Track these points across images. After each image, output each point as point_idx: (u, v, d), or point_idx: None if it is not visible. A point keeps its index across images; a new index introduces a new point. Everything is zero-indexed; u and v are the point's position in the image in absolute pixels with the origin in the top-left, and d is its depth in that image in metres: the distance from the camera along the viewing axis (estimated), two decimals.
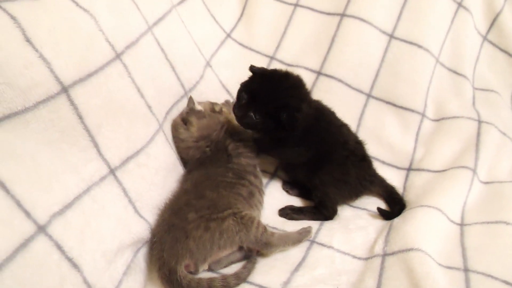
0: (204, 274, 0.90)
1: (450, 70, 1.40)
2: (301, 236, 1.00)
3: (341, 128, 1.16)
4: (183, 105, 1.14)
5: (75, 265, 0.73)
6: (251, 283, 0.88)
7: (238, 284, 0.88)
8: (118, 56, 0.91)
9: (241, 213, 0.93)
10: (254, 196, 1.02)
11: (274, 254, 0.96)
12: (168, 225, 0.89)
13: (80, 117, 0.79)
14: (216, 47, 1.35)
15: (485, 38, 1.49)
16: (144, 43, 1.01)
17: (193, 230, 0.87)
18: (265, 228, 0.94)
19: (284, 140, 1.08)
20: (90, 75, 0.83)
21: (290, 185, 1.21)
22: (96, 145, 0.82)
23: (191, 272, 0.88)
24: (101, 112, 0.84)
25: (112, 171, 0.85)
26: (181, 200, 0.94)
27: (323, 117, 1.13)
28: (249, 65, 1.07)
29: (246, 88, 1.04)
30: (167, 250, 0.86)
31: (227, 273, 0.90)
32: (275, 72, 1.08)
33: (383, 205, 1.16)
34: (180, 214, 0.90)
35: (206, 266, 0.91)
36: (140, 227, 0.89)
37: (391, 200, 1.16)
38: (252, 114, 1.01)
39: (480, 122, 1.28)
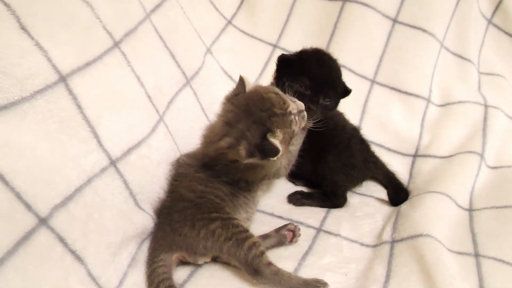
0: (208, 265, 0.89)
1: (455, 54, 1.38)
2: (307, 286, 0.80)
3: (338, 115, 1.16)
4: (186, 94, 1.11)
5: (78, 258, 0.71)
6: None
7: None
8: (116, 44, 0.89)
9: (232, 220, 0.84)
10: (237, 197, 0.92)
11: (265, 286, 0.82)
12: (159, 224, 0.89)
13: (80, 107, 0.77)
14: (217, 34, 1.33)
15: (490, 21, 1.46)
16: (143, 31, 0.98)
17: (180, 228, 0.85)
18: (261, 253, 0.81)
19: None
20: (88, 64, 0.80)
21: (296, 176, 1.19)
22: (96, 136, 0.80)
23: (188, 263, 0.88)
24: (101, 102, 0.82)
25: (113, 163, 0.82)
26: (165, 203, 0.91)
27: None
28: (278, 56, 1.04)
29: (308, 80, 0.98)
30: (156, 241, 0.86)
31: None
32: (320, 52, 1.07)
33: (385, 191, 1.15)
34: (167, 215, 0.88)
35: (207, 259, 0.88)
36: (142, 219, 0.87)
37: (392, 186, 1.14)
38: (323, 100, 0.99)
39: (486, 106, 1.26)
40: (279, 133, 0.82)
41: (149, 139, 0.92)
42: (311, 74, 0.98)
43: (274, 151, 0.79)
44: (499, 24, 1.46)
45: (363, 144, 1.16)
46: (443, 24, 1.35)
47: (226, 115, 0.87)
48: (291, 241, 0.94)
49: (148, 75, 0.97)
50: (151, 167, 0.92)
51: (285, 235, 0.93)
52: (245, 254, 0.81)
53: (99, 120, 0.81)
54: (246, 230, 0.85)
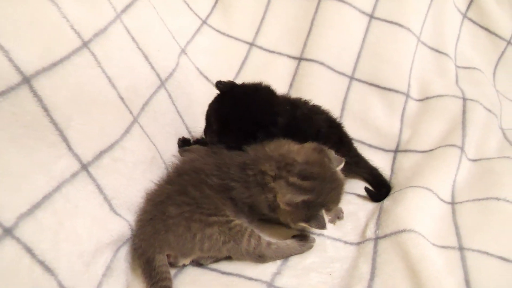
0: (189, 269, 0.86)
1: (432, 49, 1.38)
2: (302, 248, 0.90)
3: (310, 119, 1.09)
4: (162, 97, 1.07)
5: (48, 269, 0.67)
6: (240, 276, 0.84)
7: None
8: (85, 44, 0.85)
9: (229, 223, 0.85)
10: (240, 217, 0.91)
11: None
12: (150, 216, 0.85)
13: (46, 110, 0.73)
14: (192, 35, 1.30)
15: (464, 15, 1.47)
16: (113, 32, 0.95)
17: (173, 226, 0.82)
18: (259, 239, 0.86)
19: None
20: (54, 64, 0.77)
21: None
22: (65, 140, 0.76)
23: (170, 264, 0.85)
24: (70, 105, 0.79)
25: (84, 167, 0.79)
26: (163, 190, 0.88)
27: (294, 114, 1.07)
28: (216, 82, 0.99)
29: (214, 112, 0.99)
30: (146, 240, 0.83)
31: None
32: (243, 89, 1.00)
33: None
34: (160, 207, 0.85)
35: (187, 261, 0.86)
36: (117, 225, 0.83)
37: (377, 182, 1.13)
38: (224, 142, 0.95)
39: (465, 99, 1.26)
40: (330, 213, 0.89)
41: (122, 141, 0.89)
42: (218, 112, 0.99)
43: (320, 226, 0.85)
44: (474, 18, 1.47)
45: (341, 144, 1.11)
46: (419, 18, 1.35)
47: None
48: None
49: (120, 76, 0.94)
50: (126, 170, 0.88)
51: None
52: (246, 248, 0.84)
53: (68, 123, 0.77)
54: (240, 225, 0.86)
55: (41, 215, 0.68)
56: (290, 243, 0.90)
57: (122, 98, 0.92)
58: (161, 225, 0.83)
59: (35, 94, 0.72)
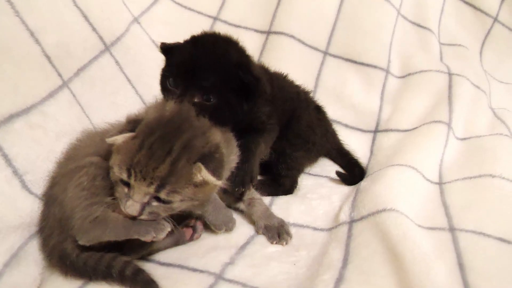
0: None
1: (413, 23, 1.27)
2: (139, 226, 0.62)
3: (284, 80, 0.99)
4: (106, 62, 0.93)
5: None
6: (182, 267, 0.68)
7: None
8: None
9: (107, 174, 0.65)
10: None
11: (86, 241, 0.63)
12: (46, 199, 0.68)
13: None
14: (147, 5, 1.15)
15: None
16: None
17: (59, 194, 0.65)
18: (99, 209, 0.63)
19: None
20: None
21: None
22: None
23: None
24: None
25: None
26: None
27: (272, 75, 0.95)
28: (160, 44, 0.79)
29: (175, 70, 0.74)
30: (48, 227, 0.66)
31: None
32: (205, 34, 0.82)
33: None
34: (53, 181, 0.69)
35: (89, 241, 0.63)
36: (30, 205, 0.68)
37: (348, 163, 1.01)
38: (200, 99, 0.72)
39: (450, 74, 1.13)
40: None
41: (43, 106, 0.74)
42: (178, 63, 0.74)
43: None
44: None
45: (320, 111, 1.03)
46: None
47: None
48: (191, 239, 0.75)
49: (48, 31, 0.80)
50: (46, 139, 0.73)
51: (183, 232, 0.74)
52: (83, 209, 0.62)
53: None
54: (110, 187, 0.65)
55: None
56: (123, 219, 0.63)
57: (48, 56, 0.78)
58: (52, 200, 0.66)
59: None
